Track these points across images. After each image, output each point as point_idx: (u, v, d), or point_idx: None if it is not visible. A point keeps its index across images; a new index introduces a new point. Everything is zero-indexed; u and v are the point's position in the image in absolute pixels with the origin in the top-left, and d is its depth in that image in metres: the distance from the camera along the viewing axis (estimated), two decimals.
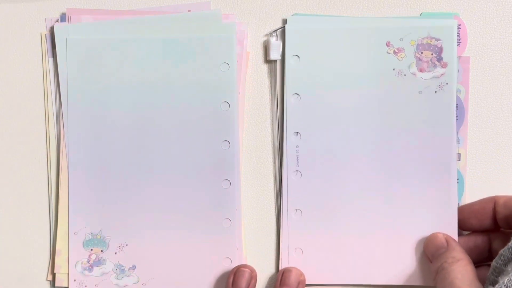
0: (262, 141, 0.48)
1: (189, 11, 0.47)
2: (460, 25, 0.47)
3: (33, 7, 0.48)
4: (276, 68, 0.48)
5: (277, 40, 0.47)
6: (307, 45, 0.46)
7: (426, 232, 0.46)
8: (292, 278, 0.45)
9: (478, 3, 0.48)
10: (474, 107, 0.48)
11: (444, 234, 0.45)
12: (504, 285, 0.35)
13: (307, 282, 0.47)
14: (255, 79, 0.48)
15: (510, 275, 0.35)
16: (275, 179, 0.48)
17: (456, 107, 0.47)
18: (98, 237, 0.47)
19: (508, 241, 0.39)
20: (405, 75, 0.46)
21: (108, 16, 0.47)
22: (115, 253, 0.47)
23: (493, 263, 0.39)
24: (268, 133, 0.48)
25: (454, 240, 0.44)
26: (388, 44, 0.46)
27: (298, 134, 0.47)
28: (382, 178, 0.46)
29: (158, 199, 0.47)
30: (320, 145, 0.46)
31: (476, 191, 0.47)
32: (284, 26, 0.47)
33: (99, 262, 0.47)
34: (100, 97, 0.47)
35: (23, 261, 0.48)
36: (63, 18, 0.47)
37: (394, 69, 0.46)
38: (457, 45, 0.47)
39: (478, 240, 0.45)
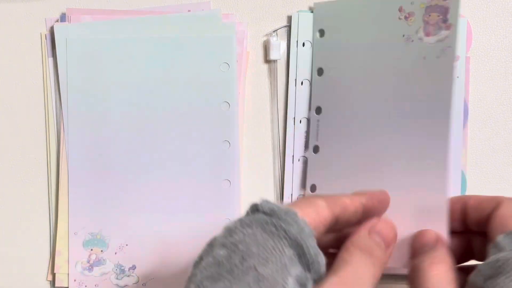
0: (262, 140, 0.48)
1: (189, 11, 0.47)
2: None
3: (33, 7, 0.48)
4: (276, 67, 0.48)
5: (277, 40, 0.47)
6: (331, 19, 0.46)
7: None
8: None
9: (478, 3, 0.48)
10: (474, 107, 0.48)
11: (435, 233, 0.40)
12: None
13: None
14: (255, 79, 0.48)
15: None
16: (275, 177, 0.48)
17: None
18: (98, 237, 0.47)
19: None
20: (412, 40, 0.45)
21: (108, 16, 0.47)
22: (115, 253, 0.47)
23: (471, 278, 0.35)
24: (268, 133, 0.48)
25: (444, 241, 0.40)
26: (400, 9, 0.46)
27: (307, 120, 0.47)
28: (388, 167, 0.45)
29: (158, 200, 0.47)
30: (338, 119, 0.46)
31: (477, 191, 0.47)
32: (285, 26, 0.47)
33: (99, 262, 0.47)
34: (100, 97, 0.47)
35: (23, 261, 0.48)
36: (63, 18, 0.47)
37: (403, 36, 0.45)
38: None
39: (455, 241, 0.40)
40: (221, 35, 0.46)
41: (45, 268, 0.48)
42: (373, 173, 0.45)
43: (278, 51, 0.47)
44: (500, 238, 0.34)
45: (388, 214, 0.42)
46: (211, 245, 0.32)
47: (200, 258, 0.32)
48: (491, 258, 0.34)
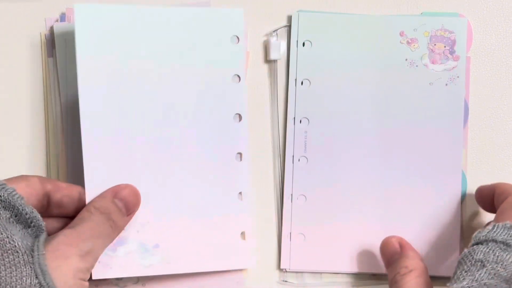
0: (262, 140, 0.48)
1: None
2: None
3: (33, 7, 0.48)
4: (276, 67, 0.48)
5: (277, 40, 0.47)
6: (319, 31, 0.47)
7: (429, 223, 0.46)
8: None
9: (478, 3, 0.48)
10: (475, 107, 0.48)
11: (397, 238, 0.43)
12: None
13: (308, 269, 0.47)
14: (255, 79, 0.48)
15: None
16: (275, 177, 0.48)
17: None
18: None
19: None
20: (417, 66, 0.46)
21: None
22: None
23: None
24: (268, 133, 0.48)
25: (408, 243, 0.43)
26: (402, 34, 0.46)
27: (307, 119, 0.47)
28: (388, 167, 0.46)
29: (165, 189, 0.46)
30: (328, 131, 0.47)
31: None
32: (285, 25, 0.47)
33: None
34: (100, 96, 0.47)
35: None
36: (63, 18, 0.47)
37: (406, 60, 0.46)
38: None
39: None
40: (230, 10, 0.46)
41: None
42: (365, 189, 0.46)
43: (278, 51, 0.47)
44: (474, 233, 0.38)
45: (402, 227, 0.46)
46: None
47: None
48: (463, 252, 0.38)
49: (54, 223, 0.41)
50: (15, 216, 0.37)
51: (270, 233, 0.48)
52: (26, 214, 0.37)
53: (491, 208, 0.43)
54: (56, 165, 0.48)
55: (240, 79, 0.46)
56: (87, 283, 0.37)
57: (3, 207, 0.36)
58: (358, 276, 0.47)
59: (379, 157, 0.47)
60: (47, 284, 0.34)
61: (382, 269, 0.46)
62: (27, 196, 0.38)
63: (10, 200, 0.36)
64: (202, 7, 0.47)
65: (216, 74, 0.45)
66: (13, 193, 0.37)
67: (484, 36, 0.48)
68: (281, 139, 0.48)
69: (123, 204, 0.42)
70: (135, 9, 0.45)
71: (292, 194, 0.47)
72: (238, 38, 0.45)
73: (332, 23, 0.47)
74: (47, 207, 0.41)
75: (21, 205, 0.37)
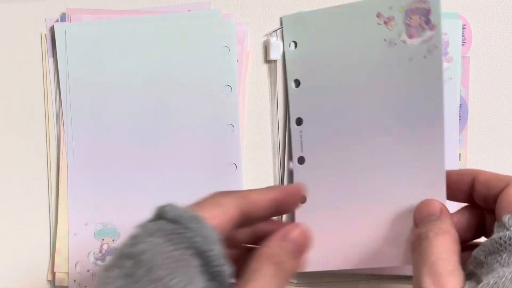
0: (262, 141, 0.48)
1: (189, 11, 0.47)
2: (465, 25, 0.47)
3: (33, 7, 0.48)
4: (276, 67, 0.48)
5: (277, 40, 0.47)
6: (302, 30, 0.46)
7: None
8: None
9: (478, 3, 0.48)
10: (474, 107, 0.48)
11: (440, 203, 0.39)
12: (489, 286, 0.31)
13: (311, 269, 0.47)
14: (255, 79, 0.48)
15: (494, 274, 0.32)
16: (275, 177, 0.48)
17: (460, 107, 0.47)
18: (109, 226, 0.47)
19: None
20: (395, 44, 0.45)
21: (108, 16, 0.47)
22: None
23: (474, 252, 0.35)
24: (268, 133, 0.48)
25: (449, 212, 0.39)
26: (378, 15, 0.46)
27: (301, 120, 0.47)
28: (383, 164, 0.45)
29: (164, 188, 0.46)
30: (321, 130, 0.46)
31: None
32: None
33: (111, 251, 0.47)
34: (100, 96, 0.47)
35: (23, 261, 0.49)
36: (63, 18, 0.47)
37: (385, 40, 0.45)
38: (462, 45, 0.47)
39: (471, 214, 0.40)
40: (221, 20, 0.47)
41: (45, 267, 0.48)
42: (364, 179, 0.45)
43: (278, 51, 0.47)
44: (506, 218, 0.34)
45: (383, 217, 0.44)
46: (118, 253, 0.31)
47: (109, 267, 0.31)
48: (495, 235, 0.34)
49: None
50: (202, 266, 0.32)
51: None
52: (215, 266, 0.32)
53: (462, 197, 0.40)
54: (56, 165, 0.48)
55: (232, 90, 0.46)
56: None
57: (195, 253, 0.32)
58: (359, 276, 0.47)
59: (375, 152, 0.46)
60: None
61: (382, 269, 0.46)
62: (223, 227, 0.33)
63: (204, 247, 0.32)
64: (197, 11, 0.47)
65: (208, 85, 0.46)
66: (209, 236, 0.32)
67: (483, 36, 0.48)
68: (281, 138, 0.48)
69: (295, 245, 0.36)
70: (119, 21, 0.46)
71: None
72: (229, 48, 0.46)
73: (314, 21, 0.46)
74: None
75: (213, 254, 0.32)
